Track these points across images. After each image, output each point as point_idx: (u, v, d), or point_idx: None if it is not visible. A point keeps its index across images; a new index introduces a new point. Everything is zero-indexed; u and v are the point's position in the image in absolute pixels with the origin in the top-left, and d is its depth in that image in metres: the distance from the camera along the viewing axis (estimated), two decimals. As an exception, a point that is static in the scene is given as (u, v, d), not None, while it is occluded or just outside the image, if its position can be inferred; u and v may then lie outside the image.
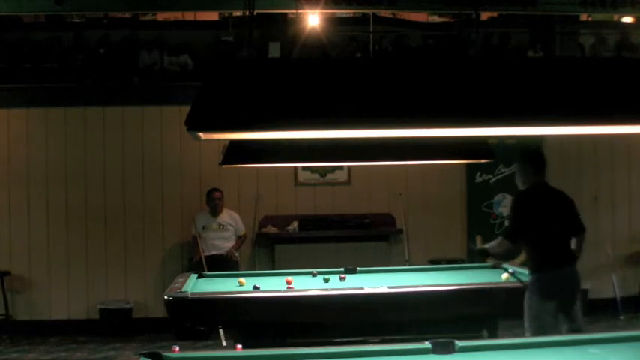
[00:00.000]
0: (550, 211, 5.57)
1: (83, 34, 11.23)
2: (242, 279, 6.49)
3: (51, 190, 9.39)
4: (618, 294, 9.46)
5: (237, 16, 10.67)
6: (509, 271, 6.61)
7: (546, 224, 5.55)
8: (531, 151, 5.84)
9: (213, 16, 13.06)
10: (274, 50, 10.31)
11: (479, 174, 9.88)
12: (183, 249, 9.42)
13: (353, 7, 10.43)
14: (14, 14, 11.31)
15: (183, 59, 11.08)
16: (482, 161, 7.06)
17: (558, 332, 5.24)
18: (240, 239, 9.02)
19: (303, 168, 9.65)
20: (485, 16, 11.73)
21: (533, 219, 5.57)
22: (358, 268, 7.06)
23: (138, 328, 9.15)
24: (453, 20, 12.91)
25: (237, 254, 8.92)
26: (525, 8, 9.85)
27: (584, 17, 12.43)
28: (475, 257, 8.52)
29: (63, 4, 9.04)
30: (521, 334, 6.35)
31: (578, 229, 5.60)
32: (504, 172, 9.91)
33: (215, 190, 8.93)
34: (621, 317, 9.31)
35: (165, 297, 5.72)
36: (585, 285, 9.49)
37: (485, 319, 5.99)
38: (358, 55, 11.22)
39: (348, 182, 9.81)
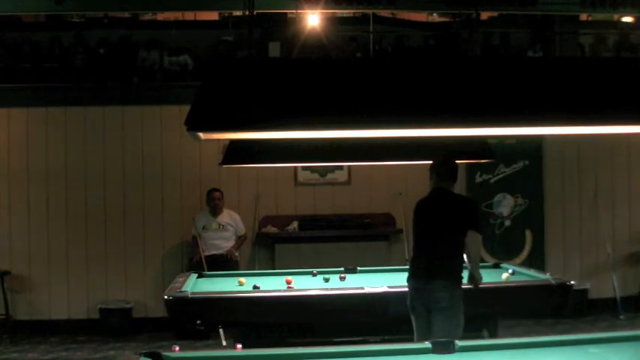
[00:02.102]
0: (434, 220, 5.29)
1: (83, 34, 11.23)
2: (242, 279, 6.50)
3: (51, 190, 9.39)
4: (618, 294, 9.47)
5: (237, 16, 10.65)
6: (509, 271, 6.64)
7: (426, 233, 5.31)
8: (441, 157, 5.41)
9: (213, 16, 13.05)
10: (274, 50, 10.31)
11: (479, 174, 9.88)
12: (183, 249, 9.42)
13: (353, 7, 10.40)
14: (14, 14, 11.30)
15: (183, 59, 11.07)
16: (482, 161, 7.07)
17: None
18: (240, 239, 9.01)
19: (303, 168, 9.65)
20: (485, 16, 11.72)
21: (417, 228, 5.40)
22: (358, 268, 7.07)
23: (138, 328, 9.15)
24: (452, 20, 12.90)
25: (237, 254, 8.91)
26: (525, 8, 9.83)
27: (584, 17, 12.41)
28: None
29: (63, 4, 9.02)
30: (522, 334, 6.35)
31: (472, 229, 5.15)
32: (504, 172, 9.92)
33: (215, 190, 8.93)
34: (621, 317, 9.32)
35: (165, 297, 5.73)
36: (585, 285, 9.55)
37: (486, 319, 5.99)
38: (358, 55, 11.22)
39: (348, 182, 9.81)
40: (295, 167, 9.57)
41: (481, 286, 5.78)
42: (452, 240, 5.20)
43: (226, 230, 8.87)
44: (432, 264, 5.23)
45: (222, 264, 8.48)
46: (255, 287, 6.07)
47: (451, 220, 5.23)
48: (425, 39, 12.48)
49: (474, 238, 5.14)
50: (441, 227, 5.26)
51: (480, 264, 7.18)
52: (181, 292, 5.78)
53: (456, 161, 5.46)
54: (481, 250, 5.21)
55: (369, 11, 11.14)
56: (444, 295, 5.12)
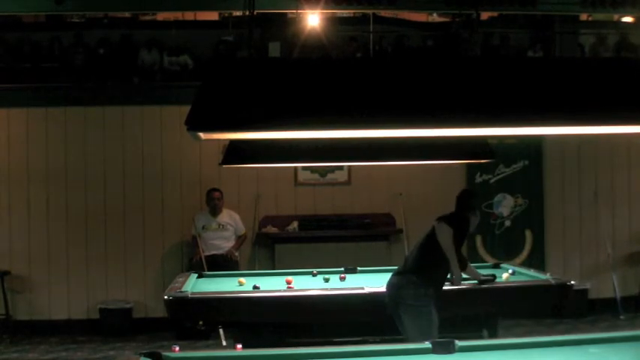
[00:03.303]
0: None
1: (83, 34, 11.23)
2: (242, 279, 6.50)
3: (51, 190, 9.39)
4: (618, 294, 9.47)
5: (237, 16, 10.66)
6: (509, 271, 6.64)
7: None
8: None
9: (213, 16, 13.05)
10: (274, 50, 10.31)
11: (479, 174, 9.87)
12: (183, 249, 9.42)
13: (353, 7, 10.41)
14: (14, 14, 11.30)
15: (183, 59, 11.08)
16: (482, 161, 7.07)
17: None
18: (240, 239, 9.01)
19: (303, 168, 9.65)
20: (485, 16, 11.71)
21: None
22: (358, 268, 7.07)
23: (138, 328, 9.15)
24: (452, 20, 12.91)
25: (237, 254, 8.91)
26: (525, 8, 9.84)
27: (584, 17, 12.41)
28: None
29: (63, 4, 9.03)
30: (522, 334, 6.33)
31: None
32: (504, 172, 9.92)
33: (214, 189, 8.93)
34: (621, 317, 9.32)
35: (166, 297, 5.72)
36: (585, 285, 9.55)
37: (486, 319, 5.99)
38: (358, 55, 11.22)
39: (348, 182, 9.81)
40: (295, 167, 9.56)
41: (480, 286, 5.80)
42: (424, 240, 5.58)
43: (226, 230, 8.87)
44: (406, 262, 5.64)
45: (222, 264, 8.48)
46: (255, 287, 6.07)
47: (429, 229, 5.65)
48: (425, 39, 12.48)
49: (437, 228, 5.45)
50: (422, 236, 5.74)
51: (480, 264, 7.23)
52: (181, 292, 5.78)
53: (466, 195, 5.90)
54: (450, 242, 5.42)
55: (369, 11, 11.14)
56: (409, 292, 5.37)
